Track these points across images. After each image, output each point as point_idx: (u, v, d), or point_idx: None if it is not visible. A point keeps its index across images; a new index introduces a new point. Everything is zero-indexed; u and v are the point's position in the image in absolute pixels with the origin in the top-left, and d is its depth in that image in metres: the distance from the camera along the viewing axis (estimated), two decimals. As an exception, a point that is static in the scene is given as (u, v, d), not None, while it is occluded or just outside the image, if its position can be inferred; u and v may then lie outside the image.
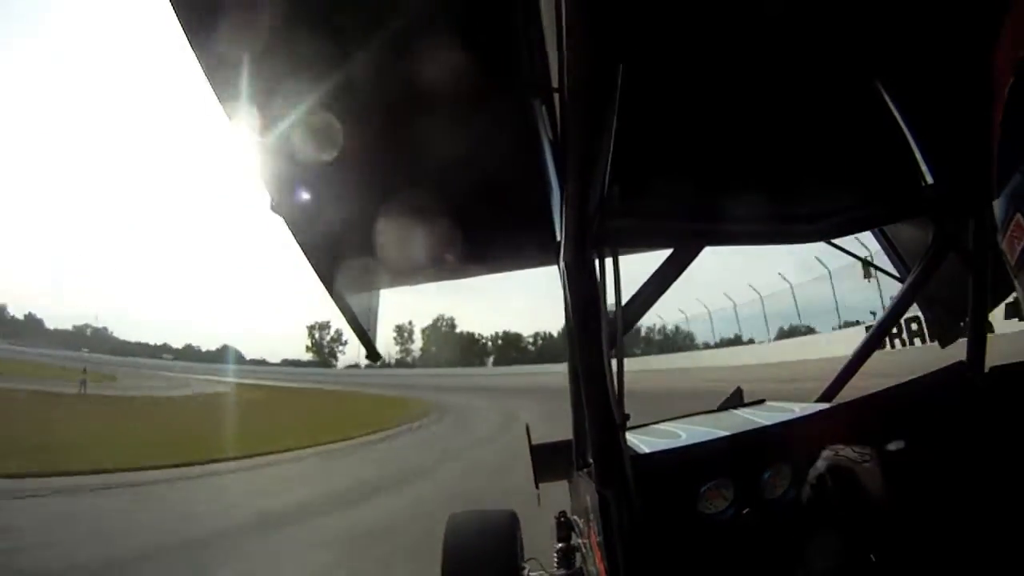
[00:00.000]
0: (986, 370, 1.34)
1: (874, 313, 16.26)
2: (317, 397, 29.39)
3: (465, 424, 15.74)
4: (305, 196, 1.45)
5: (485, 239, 1.88)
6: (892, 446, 1.16)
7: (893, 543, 0.99)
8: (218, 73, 1.03)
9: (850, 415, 1.29)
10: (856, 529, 1.01)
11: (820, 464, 1.09)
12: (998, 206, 0.65)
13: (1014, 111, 0.60)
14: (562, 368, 1.69)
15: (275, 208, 1.34)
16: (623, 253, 1.19)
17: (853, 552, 1.00)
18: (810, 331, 21.42)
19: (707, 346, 29.03)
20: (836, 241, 1.51)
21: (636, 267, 1.58)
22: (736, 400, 2.16)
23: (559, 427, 2.01)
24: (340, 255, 1.68)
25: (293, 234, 1.44)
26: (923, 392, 1.31)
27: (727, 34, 1.07)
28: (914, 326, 12.36)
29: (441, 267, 1.99)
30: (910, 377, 1.34)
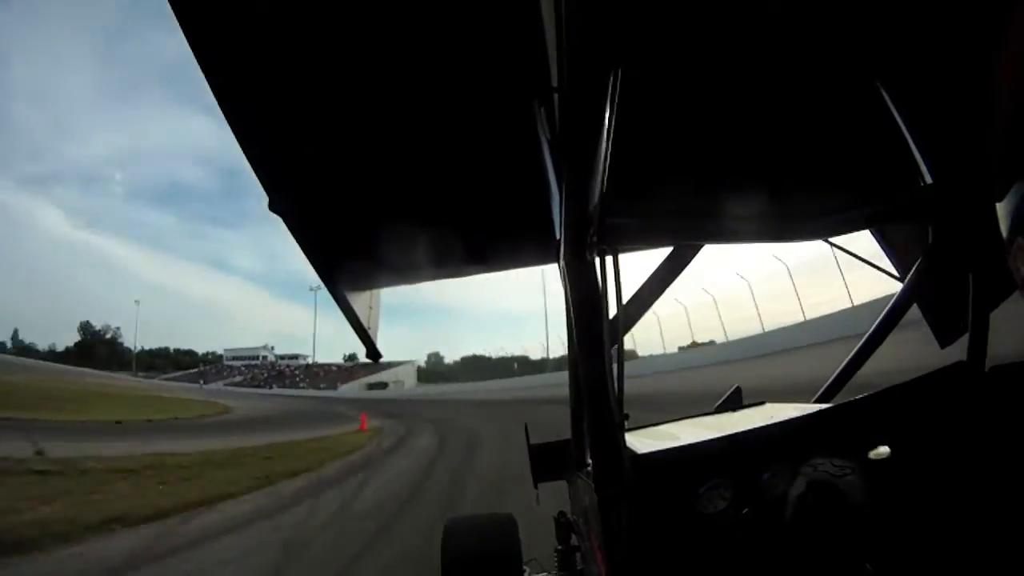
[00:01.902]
0: (986, 370, 1.34)
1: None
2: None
3: None
4: (304, 195, 1.45)
5: (485, 238, 1.88)
6: (874, 455, 1.15)
7: (889, 550, 0.99)
8: (217, 71, 1.03)
9: (849, 416, 1.28)
10: (846, 544, 1.00)
11: (799, 482, 1.08)
12: (1002, 212, 0.64)
13: (1019, 111, 0.60)
14: None
15: (273, 207, 1.34)
16: (623, 252, 1.19)
17: (849, 561, 0.99)
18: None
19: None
20: (835, 240, 1.51)
21: (636, 266, 1.58)
22: (735, 401, 2.16)
23: None
24: (340, 254, 1.67)
25: (292, 233, 1.44)
26: (923, 392, 1.30)
27: (726, 33, 1.07)
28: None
29: (440, 266, 1.99)
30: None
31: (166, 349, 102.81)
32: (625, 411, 1.18)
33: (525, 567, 2.04)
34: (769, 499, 1.18)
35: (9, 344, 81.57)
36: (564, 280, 1.20)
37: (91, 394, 28.92)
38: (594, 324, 1.13)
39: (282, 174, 1.32)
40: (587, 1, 0.70)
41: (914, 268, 1.59)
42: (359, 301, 1.87)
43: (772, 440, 1.29)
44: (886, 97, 1.21)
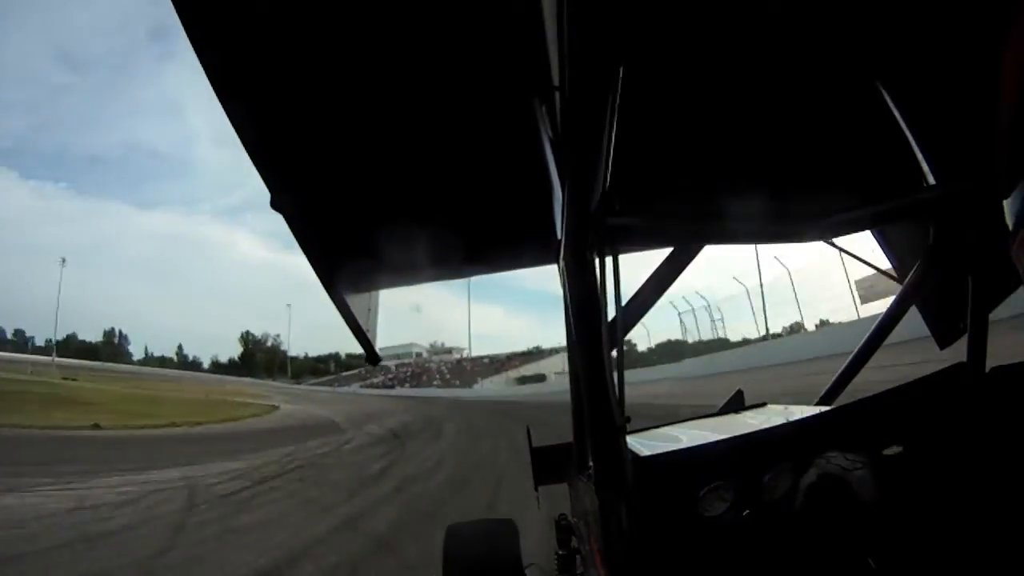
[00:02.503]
0: (987, 371, 1.34)
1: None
2: None
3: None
4: (305, 193, 1.45)
5: (485, 238, 1.88)
6: (888, 451, 1.15)
7: (890, 548, 0.99)
8: (220, 69, 1.03)
9: (850, 418, 1.28)
10: (850, 537, 1.00)
11: (812, 472, 1.09)
12: (1008, 208, 0.64)
13: None
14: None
15: (275, 205, 1.34)
16: (623, 252, 1.19)
17: (851, 558, 0.99)
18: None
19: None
20: (835, 241, 1.51)
21: (636, 267, 1.58)
22: (737, 403, 2.16)
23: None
24: (340, 254, 1.67)
25: (293, 231, 1.44)
26: (924, 394, 1.30)
27: (728, 33, 1.07)
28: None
29: (441, 266, 1.98)
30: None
31: (336, 354, 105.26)
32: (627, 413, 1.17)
33: (525, 571, 2.03)
34: (770, 501, 1.18)
35: (175, 358, 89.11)
36: (564, 281, 1.20)
37: (160, 399, 28.31)
38: (594, 325, 1.12)
39: (284, 172, 1.32)
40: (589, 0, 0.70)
41: (914, 269, 1.59)
42: (358, 303, 1.86)
43: (774, 442, 1.29)
44: (887, 97, 1.21)
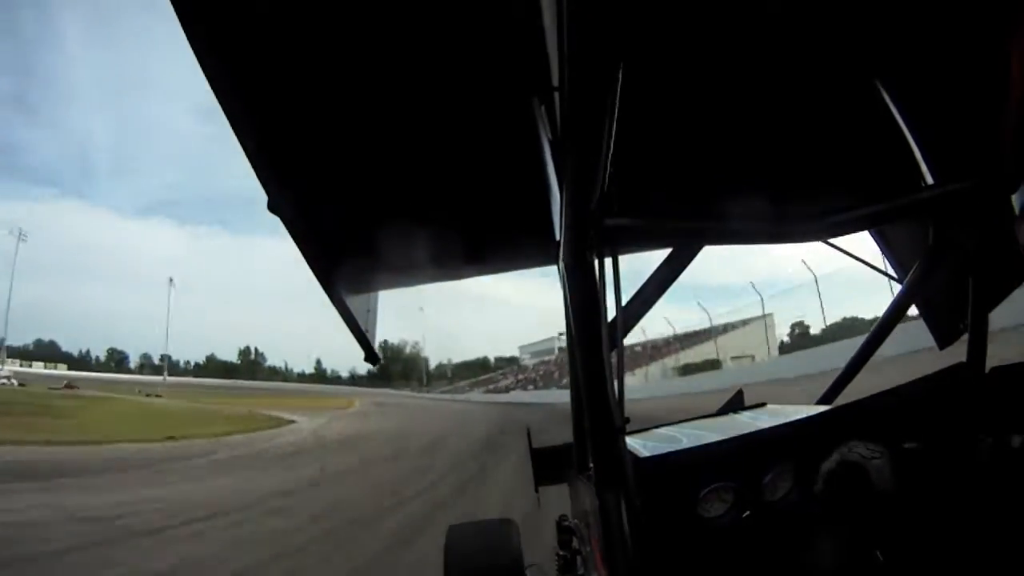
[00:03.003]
0: (986, 371, 1.34)
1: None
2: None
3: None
4: (303, 195, 1.45)
5: (484, 240, 1.88)
6: (907, 445, 1.15)
7: (899, 540, 0.99)
8: (218, 71, 1.03)
9: (850, 417, 1.28)
10: (863, 525, 1.01)
11: (832, 459, 1.09)
12: (1017, 200, 0.64)
13: None
14: None
15: (272, 207, 1.34)
16: (623, 253, 1.19)
17: (860, 548, 1.00)
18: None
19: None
20: (834, 241, 1.51)
21: (636, 267, 1.56)
22: (736, 403, 2.16)
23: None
24: (339, 255, 1.67)
25: (291, 234, 1.44)
26: (924, 394, 1.30)
27: (727, 34, 1.08)
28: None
29: (440, 268, 1.98)
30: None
31: (484, 359, 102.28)
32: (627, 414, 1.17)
33: (526, 572, 2.03)
34: (770, 502, 1.18)
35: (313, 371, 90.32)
36: (563, 282, 1.20)
37: (181, 412, 26.47)
38: (594, 326, 1.12)
39: (282, 174, 1.32)
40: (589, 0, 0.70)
41: (913, 269, 1.59)
42: (357, 304, 1.86)
43: (774, 442, 1.29)
44: (885, 96, 1.21)
